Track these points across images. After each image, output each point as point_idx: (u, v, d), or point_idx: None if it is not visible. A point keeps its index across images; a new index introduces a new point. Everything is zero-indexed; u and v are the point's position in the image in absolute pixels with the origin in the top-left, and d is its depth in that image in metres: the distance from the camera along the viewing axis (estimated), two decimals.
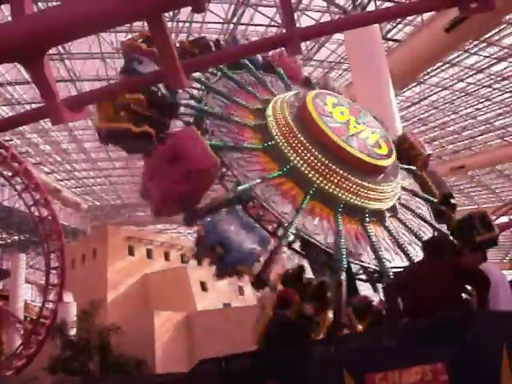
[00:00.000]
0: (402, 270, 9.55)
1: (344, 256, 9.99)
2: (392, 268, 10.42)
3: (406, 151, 13.79)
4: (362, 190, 11.07)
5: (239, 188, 9.91)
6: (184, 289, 32.50)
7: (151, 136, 10.09)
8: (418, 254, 10.81)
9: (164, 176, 9.06)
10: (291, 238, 9.98)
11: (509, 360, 4.31)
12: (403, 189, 12.79)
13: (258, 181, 10.31)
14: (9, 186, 35.90)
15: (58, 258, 31.98)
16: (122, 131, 10.05)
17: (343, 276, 9.68)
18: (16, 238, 45.21)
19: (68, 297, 30.09)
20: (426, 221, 12.66)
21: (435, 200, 13.26)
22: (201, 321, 28.80)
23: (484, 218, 12.30)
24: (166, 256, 37.86)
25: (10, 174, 33.22)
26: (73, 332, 26.33)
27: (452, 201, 13.44)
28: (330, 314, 9.12)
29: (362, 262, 10.49)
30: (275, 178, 10.74)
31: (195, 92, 12.31)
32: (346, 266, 9.90)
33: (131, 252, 35.92)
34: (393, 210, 11.95)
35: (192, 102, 11.73)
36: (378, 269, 10.46)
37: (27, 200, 33.19)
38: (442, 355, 4.53)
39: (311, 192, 10.75)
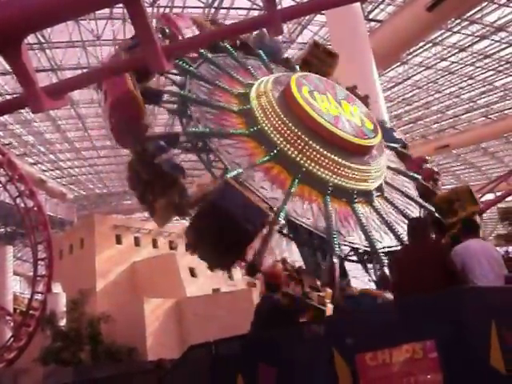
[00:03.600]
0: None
1: (336, 239, 9.98)
2: (382, 248, 10.45)
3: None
4: (349, 171, 11.00)
5: (228, 175, 9.66)
6: (173, 275, 32.47)
7: None
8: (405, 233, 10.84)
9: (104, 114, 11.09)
10: (282, 222, 9.87)
11: (498, 337, 4.33)
12: (388, 167, 12.78)
13: (246, 167, 10.19)
14: None
15: (45, 249, 31.78)
16: None
17: (335, 259, 9.68)
18: (2, 230, 44.82)
19: (57, 287, 29.93)
20: (412, 199, 12.69)
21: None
22: (191, 307, 28.88)
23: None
24: (154, 243, 37.72)
25: None
26: (63, 322, 26.33)
27: None
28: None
29: (353, 243, 10.48)
30: (264, 163, 10.62)
31: (177, 78, 12.11)
32: (338, 248, 9.90)
33: (119, 240, 35.74)
34: (380, 189, 11.93)
35: (175, 89, 11.60)
36: (368, 249, 10.47)
37: (12, 192, 32.94)
38: (432, 333, 4.54)
39: (299, 176, 10.67)
